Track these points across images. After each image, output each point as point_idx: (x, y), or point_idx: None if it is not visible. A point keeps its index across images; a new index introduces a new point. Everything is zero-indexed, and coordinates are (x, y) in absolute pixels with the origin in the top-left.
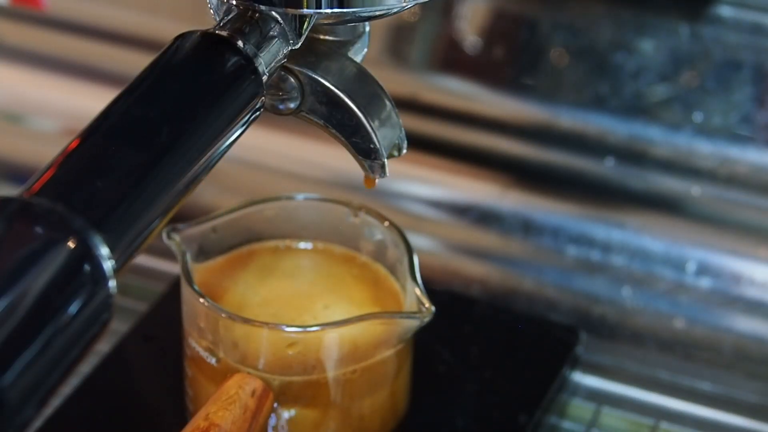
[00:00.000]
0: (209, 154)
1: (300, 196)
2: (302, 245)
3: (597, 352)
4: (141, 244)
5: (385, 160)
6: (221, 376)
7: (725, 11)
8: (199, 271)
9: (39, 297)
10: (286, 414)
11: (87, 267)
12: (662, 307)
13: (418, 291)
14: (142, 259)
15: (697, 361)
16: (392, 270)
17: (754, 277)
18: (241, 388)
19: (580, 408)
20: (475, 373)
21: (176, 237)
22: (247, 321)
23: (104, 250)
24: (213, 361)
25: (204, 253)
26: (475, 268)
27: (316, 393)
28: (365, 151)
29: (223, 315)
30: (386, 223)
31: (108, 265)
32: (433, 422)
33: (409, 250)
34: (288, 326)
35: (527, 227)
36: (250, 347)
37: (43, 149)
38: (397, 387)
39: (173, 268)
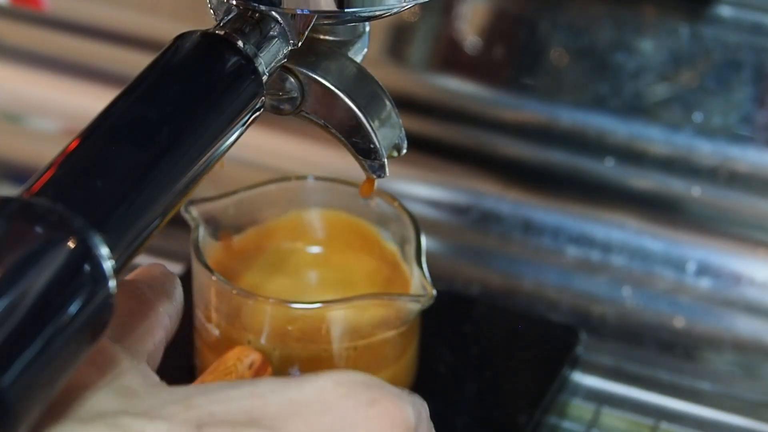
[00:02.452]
0: (209, 154)
1: (312, 177)
2: (318, 227)
3: (597, 352)
4: (141, 244)
5: (385, 160)
6: (223, 348)
7: (725, 11)
8: (214, 247)
9: (39, 297)
10: None
11: (87, 267)
12: (662, 307)
13: (421, 275)
14: (142, 259)
15: (697, 361)
16: (403, 254)
17: (754, 277)
18: (240, 360)
19: (580, 408)
20: (475, 373)
21: (193, 210)
22: (251, 296)
23: (104, 250)
24: (216, 333)
25: (221, 229)
26: (475, 268)
27: (315, 368)
28: (365, 151)
29: (234, 291)
30: (396, 204)
31: (108, 265)
32: (433, 422)
33: (417, 234)
34: (291, 302)
35: (527, 227)
36: (253, 321)
37: (43, 149)
38: (398, 370)
39: (173, 268)
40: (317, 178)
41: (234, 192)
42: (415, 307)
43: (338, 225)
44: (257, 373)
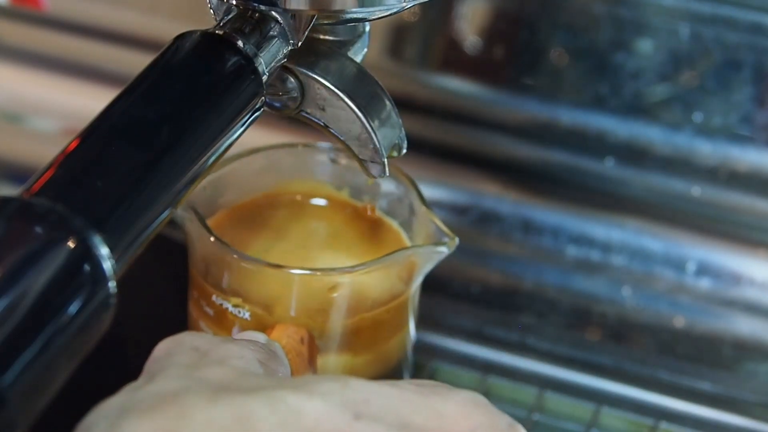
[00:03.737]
0: (209, 153)
1: (284, 146)
2: (294, 195)
3: (597, 352)
4: (141, 244)
5: (385, 160)
6: (224, 320)
7: (725, 11)
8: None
9: (39, 297)
10: (324, 360)
11: (87, 267)
12: (662, 307)
13: (436, 219)
14: (143, 260)
15: (697, 361)
16: (388, 209)
17: (754, 277)
18: (290, 337)
19: (580, 408)
20: None
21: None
22: (283, 268)
23: (104, 250)
24: (246, 315)
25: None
26: (475, 268)
27: (351, 338)
28: (365, 152)
29: (258, 264)
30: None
31: (108, 265)
32: None
33: (413, 182)
34: (326, 270)
35: (527, 227)
36: (285, 296)
37: (43, 149)
38: (409, 327)
39: None
40: (288, 147)
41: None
42: (442, 253)
43: (311, 194)
44: (310, 347)
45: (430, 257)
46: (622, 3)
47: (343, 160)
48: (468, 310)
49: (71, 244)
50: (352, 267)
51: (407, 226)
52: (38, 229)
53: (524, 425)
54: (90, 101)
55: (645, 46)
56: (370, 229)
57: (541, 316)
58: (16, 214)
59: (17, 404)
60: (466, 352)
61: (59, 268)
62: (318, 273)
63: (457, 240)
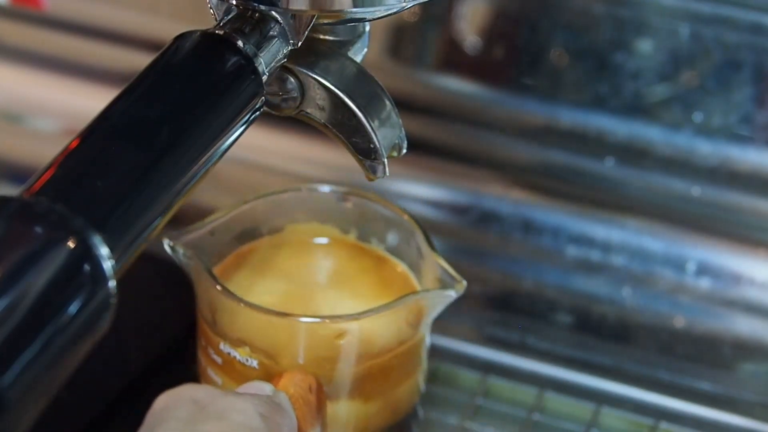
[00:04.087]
0: (209, 154)
1: (290, 190)
2: (300, 239)
3: (597, 352)
4: (141, 244)
5: (386, 160)
6: (265, 379)
7: (725, 11)
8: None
9: (39, 297)
10: (333, 407)
11: (87, 267)
12: (662, 307)
13: (443, 263)
14: (144, 261)
15: (697, 361)
16: (396, 251)
17: (754, 277)
18: (298, 386)
19: (580, 408)
20: None
21: (179, 247)
22: (290, 316)
23: (104, 250)
24: (254, 363)
25: (203, 256)
26: (475, 268)
27: (360, 384)
28: (365, 151)
29: (264, 312)
30: (382, 204)
31: (108, 265)
32: None
33: (419, 226)
34: (333, 317)
35: (527, 227)
36: (292, 344)
37: (43, 149)
38: (419, 372)
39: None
40: (294, 190)
41: (211, 219)
42: (450, 297)
43: (318, 237)
44: (318, 395)
45: (438, 301)
46: (622, 3)
47: (350, 204)
48: (468, 310)
49: (71, 244)
50: (360, 313)
51: (415, 268)
52: (38, 229)
53: (524, 425)
54: (90, 101)
55: (645, 46)
56: (380, 272)
57: (541, 316)
58: (16, 214)
59: (17, 404)
60: (466, 352)
61: (59, 268)
62: (326, 320)
63: (465, 283)
